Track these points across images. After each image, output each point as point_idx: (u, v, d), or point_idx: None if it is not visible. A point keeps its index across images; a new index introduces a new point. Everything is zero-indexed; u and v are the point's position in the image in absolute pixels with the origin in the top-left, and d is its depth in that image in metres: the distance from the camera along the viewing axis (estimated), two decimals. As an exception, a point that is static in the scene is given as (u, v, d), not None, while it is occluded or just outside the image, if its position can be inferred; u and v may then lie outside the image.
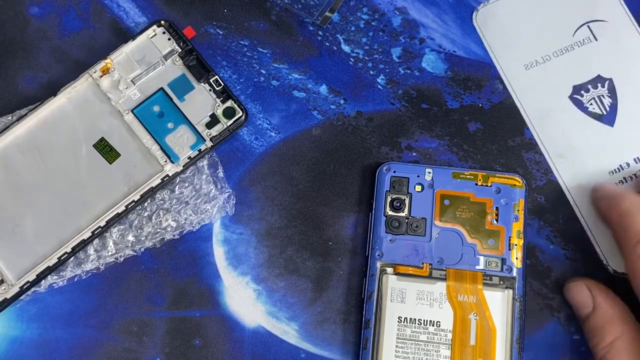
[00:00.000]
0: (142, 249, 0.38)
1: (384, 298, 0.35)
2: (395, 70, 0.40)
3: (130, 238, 0.37)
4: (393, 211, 0.36)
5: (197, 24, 0.41)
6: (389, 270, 0.35)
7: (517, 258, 0.35)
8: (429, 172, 0.36)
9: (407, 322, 0.35)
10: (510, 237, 0.35)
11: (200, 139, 0.38)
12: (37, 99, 0.39)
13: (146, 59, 0.39)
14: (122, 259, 0.38)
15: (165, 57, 0.39)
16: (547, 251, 0.37)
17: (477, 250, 0.35)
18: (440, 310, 0.34)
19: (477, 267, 0.35)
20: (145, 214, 0.38)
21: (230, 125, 0.38)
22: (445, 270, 0.35)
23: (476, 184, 0.36)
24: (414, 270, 0.35)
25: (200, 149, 0.38)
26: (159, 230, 0.37)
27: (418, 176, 0.37)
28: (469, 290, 0.35)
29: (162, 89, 0.39)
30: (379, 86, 0.40)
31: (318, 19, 0.40)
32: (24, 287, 0.36)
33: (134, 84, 0.38)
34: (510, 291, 0.35)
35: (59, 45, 0.41)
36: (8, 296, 0.36)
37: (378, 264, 0.35)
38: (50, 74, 0.40)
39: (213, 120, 0.38)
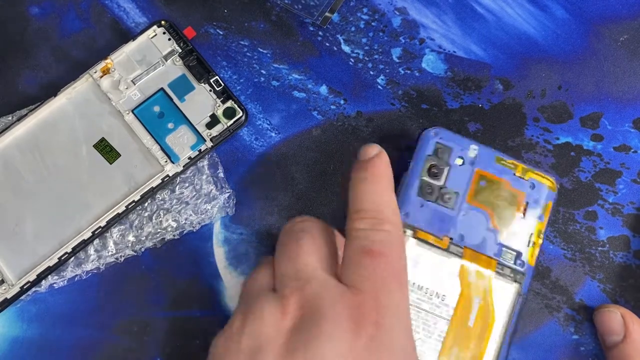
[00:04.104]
0: (143, 249, 0.38)
1: None
2: (395, 71, 0.40)
3: (131, 238, 0.37)
4: (429, 177, 0.35)
5: (197, 24, 0.41)
6: (409, 232, 0.35)
7: (532, 256, 0.35)
8: (475, 149, 0.35)
9: (413, 287, 0.34)
10: (532, 233, 0.35)
11: (201, 139, 0.38)
12: (37, 99, 0.39)
13: (146, 59, 0.39)
14: (122, 259, 0.38)
15: (166, 57, 0.39)
16: (547, 251, 0.38)
17: (498, 237, 0.35)
18: (448, 285, 0.34)
19: (494, 254, 0.34)
20: (146, 214, 0.38)
21: (230, 126, 0.38)
22: (463, 248, 0.34)
23: (514, 174, 0.35)
24: (434, 239, 0.35)
25: (200, 149, 0.38)
26: (159, 230, 0.38)
27: (462, 149, 0.36)
28: (480, 274, 0.34)
29: (162, 89, 0.39)
30: (379, 86, 0.40)
31: (318, 20, 0.40)
32: (25, 287, 0.36)
33: (134, 84, 0.38)
34: (518, 286, 0.34)
35: (59, 45, 0.41)
36: (8, 296, 0.36)
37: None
38: (50, 74, 0.40)
39: (213, 121, 0.38)
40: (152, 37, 0.39)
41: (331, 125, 0.39)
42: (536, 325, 0.37)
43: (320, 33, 0.41)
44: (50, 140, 0.38)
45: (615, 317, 0.35)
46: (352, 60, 0.40)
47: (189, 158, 0.38)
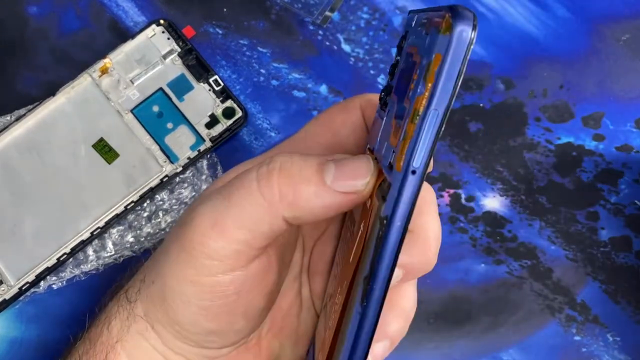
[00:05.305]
0: (142, 250, 0.37)
1: None
2: (395, 70, 0.40)
3: (130, 239, 0.37)
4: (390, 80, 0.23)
5: (196, 24, 0.40)
6: None
7: (401, 153, 0.19)
8: (412, 18, 0.22)
9: (348, 216, 0.26)
10: (405, 120, 0.19)
11: (200, 139, 0.38)
12: (36, 99, 0.39)
13: (145, 58, 0.39)
14: (121, 260, 0.37)
15: (165, 56, 0.39)
16: (548, 252, 0.37)
17: (391, 138, 0.21)
18: (363, 209, 0.23)
19: (384, 162, 0.21)
20: (145, 215, 0.38)
21: (229, 126, 0.38)
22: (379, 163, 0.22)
23: (424, 33, 0.20)
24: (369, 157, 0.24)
25: (199, 150, 0.38)
26: (158, 231, 0.37)
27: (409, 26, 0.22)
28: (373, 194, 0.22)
29: (161, 88, 0.38)
30: (380, 86, 0.40)
31: (318, 19, 0.40)
32: (23, 288, 0.36)
33: (133, 84, 0.38)
34: (383, 205, 0.20)
35: (58, 44, 0.40)
36: (7, 297, 0.36)
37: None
38: (49, 73, 0.40)
39: (212, 121, 0.38)
40: (151, 37, 0.39)
41: (331, 125, 0.39)
42: (538, 326, 0.37)
43: (320, 32, 0.40)
44: (49, 140, 0.37)
45: None
46: (353, 60, 0.40)
47: (188, 158, 0.38)
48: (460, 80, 0.18)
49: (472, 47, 0.18)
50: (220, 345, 0.25)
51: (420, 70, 0.19)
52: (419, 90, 0.19)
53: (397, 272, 0.23)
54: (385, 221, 0.19)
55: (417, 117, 0.19)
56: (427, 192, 0.25)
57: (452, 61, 0.18)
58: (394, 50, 0.40)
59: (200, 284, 0.23)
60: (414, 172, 0.19)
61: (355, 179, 0.21)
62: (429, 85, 0.18)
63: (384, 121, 0.22)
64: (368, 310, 0.20)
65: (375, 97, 0.26)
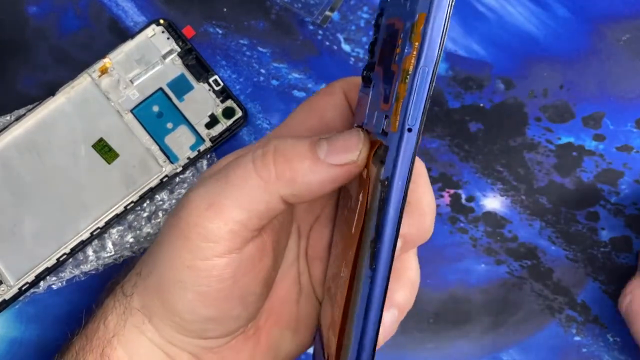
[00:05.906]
0: (142, 250, 0.37)
1: None
2: (395, 70, 0.40)
3: (130, 239, 0.37)
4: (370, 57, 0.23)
5: (196, 23, 0.40)
6: None
7: (395, 114, 0.19)
8: None
9: (343, 191, 0.26)
10: (398, 82, 0.19)
11: (200, 139, 0.38)
12: (35, 99, 0.39)
13: (145, 58, 0.39)
14: (121, 260, 0.37)
15: (164, 56, 0.39)
16: (549, 252, 0.37)
17: (380, 105, 0.21)
18: (358, 184, 0.23)
19: (377, 129, 0.21)
20: (144, 215, 0.37)
21: (229, 126, 0.38)
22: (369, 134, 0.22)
23: (403, 1, 0.20)
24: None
25: (199, 150, 0.38)
26: (158, 231, 0.37)
27: None
28: (369, 163, 0.22)
29: (161, 88, 0.38)
30: (380, 86, 0.40)
31: (318, 18, 0.40)
32: (23, 288, 0.36)
33: (133, 84, 0.38)
34: (382, 168, 0.20)
35: (58, 44, 0.40)
36: (7, 297, 0.36)
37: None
38: (48, 73, 0.40)
39: (212, 121, 0.38)
40: (150, 36, 0.39)
41: (331, 125, 0.39)
42: (538, 326, 0.37)
43: (320, 32, 0.40)
44: (49, 140, 0.37)
45: None
46: (353, 60, 0.40)
47: (188, 158, 0.38)
48: (445, 38, 0.18)
49: (453, 3, 0.18)
50: (219, 334, 0.25)
51: (405, 33, 0.19)
52: (405, 52, 0.19)
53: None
54: (386, 182, 0.20)
55: (408, 77, 0.19)
56: (418, 164, 0.26)
57: (436, 17, 0.18)
58: (394, 50, 0.40)
59: (196, 268, 0.23)
60: (410, 130, 0.19)
61: (348, 151, 0.22)
62: (416, 44, 0.19)
63: (370, 95, 0.22)
64: (377, 272, 0.20)
65: (355, 79, 0.26)
